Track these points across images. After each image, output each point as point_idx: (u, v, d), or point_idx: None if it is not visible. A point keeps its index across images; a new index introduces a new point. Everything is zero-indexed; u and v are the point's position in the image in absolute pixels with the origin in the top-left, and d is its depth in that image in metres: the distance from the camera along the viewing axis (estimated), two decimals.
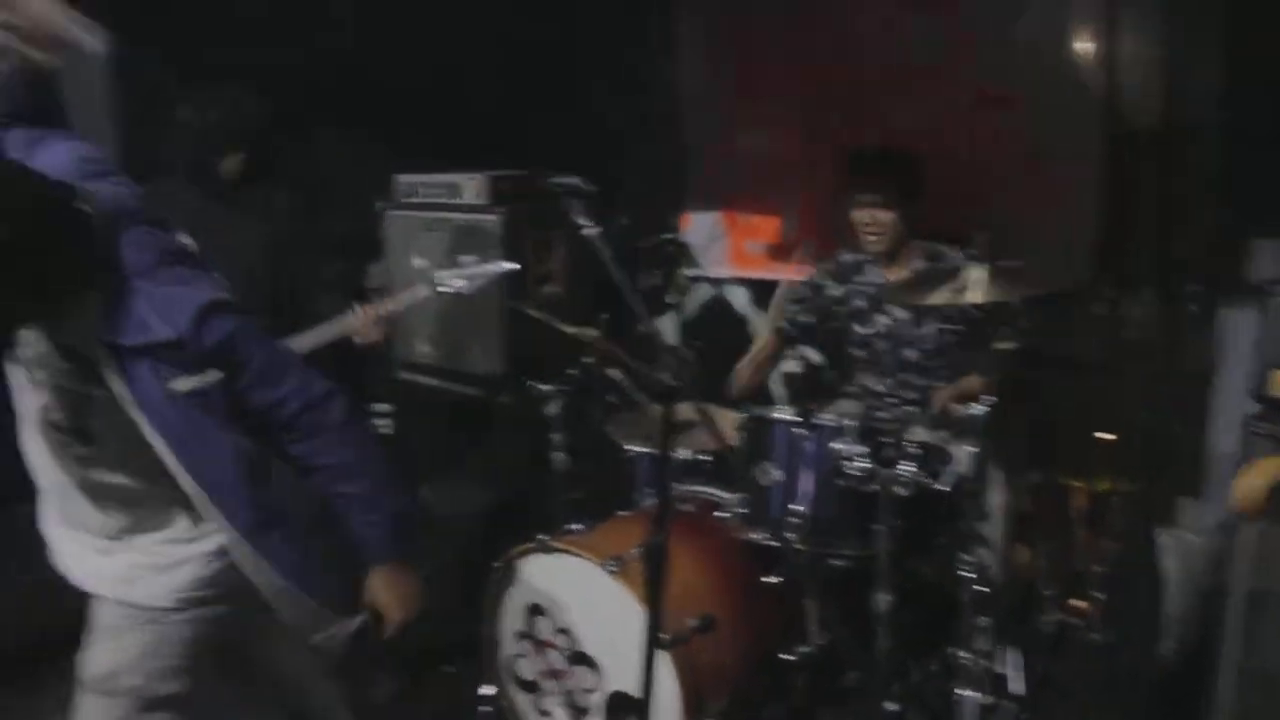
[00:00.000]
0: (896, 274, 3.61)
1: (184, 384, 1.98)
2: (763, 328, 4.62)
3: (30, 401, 2.13)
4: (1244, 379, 3.17)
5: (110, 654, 2.24)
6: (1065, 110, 3.83)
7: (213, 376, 2.00)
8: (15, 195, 1.84)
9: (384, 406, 4.21)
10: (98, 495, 2.20)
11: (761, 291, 4.67)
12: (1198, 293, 3.70)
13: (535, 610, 2.99)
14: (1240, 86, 3.54)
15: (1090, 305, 3.79)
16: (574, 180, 2.31)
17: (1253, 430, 3.00)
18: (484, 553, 3.17)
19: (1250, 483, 1.34)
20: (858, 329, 3.71)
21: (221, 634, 2.28)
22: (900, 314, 3.60)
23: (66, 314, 1.96)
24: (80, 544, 2.27)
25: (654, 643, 2.22)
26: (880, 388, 3.67)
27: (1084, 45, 3.79)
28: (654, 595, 2.21)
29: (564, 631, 2.94)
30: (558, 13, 4.58)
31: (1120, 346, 3.80)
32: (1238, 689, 2.96)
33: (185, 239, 2.14)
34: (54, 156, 2.07)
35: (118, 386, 1.98)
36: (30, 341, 2.04)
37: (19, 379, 2.13)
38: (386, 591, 2.28)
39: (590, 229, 2.29)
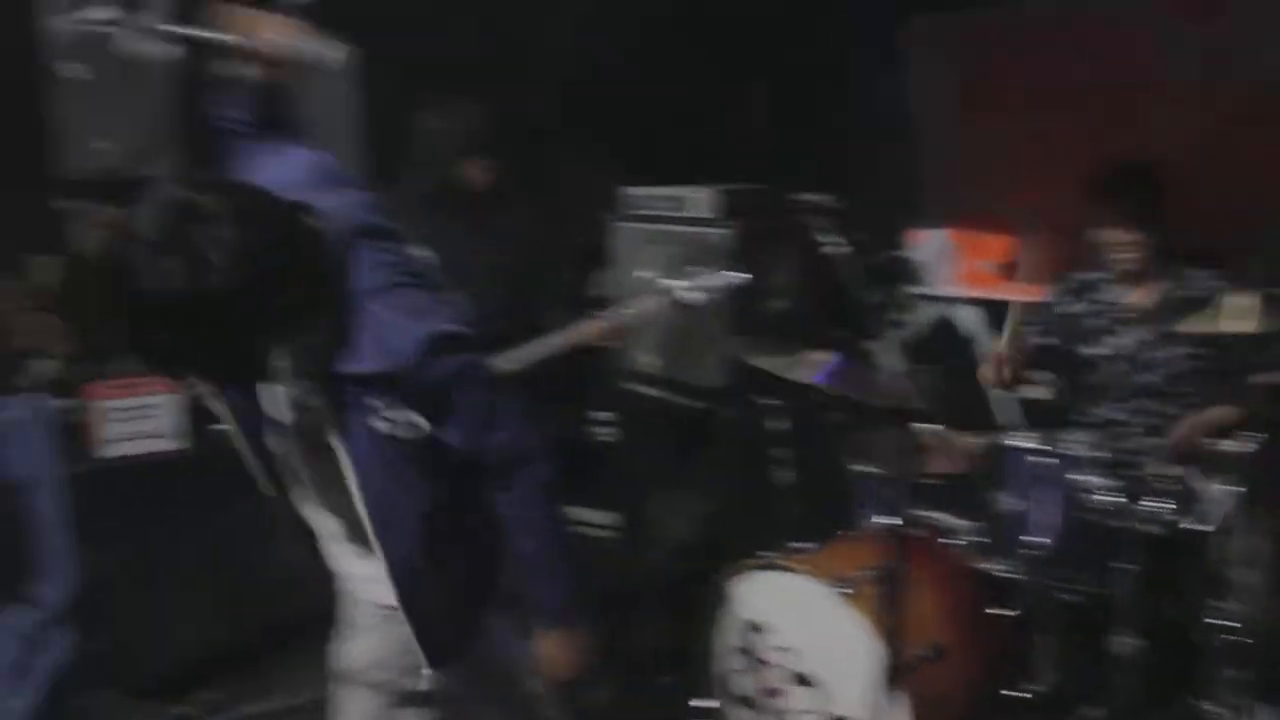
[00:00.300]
0: (1142, 295, 3.45)
1: (389, 417, 1.95)
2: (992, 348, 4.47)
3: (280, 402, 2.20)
4: None
5: (364, 650, 2.34)
6: None
7: (418, 420, 1.95)
8: (242, 215, 1.77)
9: (606, 415, 4.27)
10: (333, 501, 2.24)
11: (991, 312, 4.52)
12: None
13: (755, 626, 2.97)
14: None
15: None
16: (821, 197, 2.28)
17: None
18: (703, 565, 3.18)
19: None
20: (1090, 350, 3.54)
21: None
22: (1141, 336, 3.43)
23: (292, 337, 1.93)
24: (339, 543, 2.39)
25: (890, 670, 2.17)
26: (1117, 415, 3.49)
27: None
28: (890, 620, 2.16)
29: (784, 650, 2.91)
30: (789, 27, 4.57)
31: None
32: None
33: (423, 254, 2.15)
34: (288, 168, 2.06)
35: (326, 406, 2.00)
36: None
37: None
38: (551, 655, 2.23)
39: (837, 247, 2.26)
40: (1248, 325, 2.69)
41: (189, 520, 4.32)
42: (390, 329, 1.92)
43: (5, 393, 4.29)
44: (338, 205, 2.00)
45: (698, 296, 3.42)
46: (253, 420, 2.24)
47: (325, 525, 2.34)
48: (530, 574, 2.14)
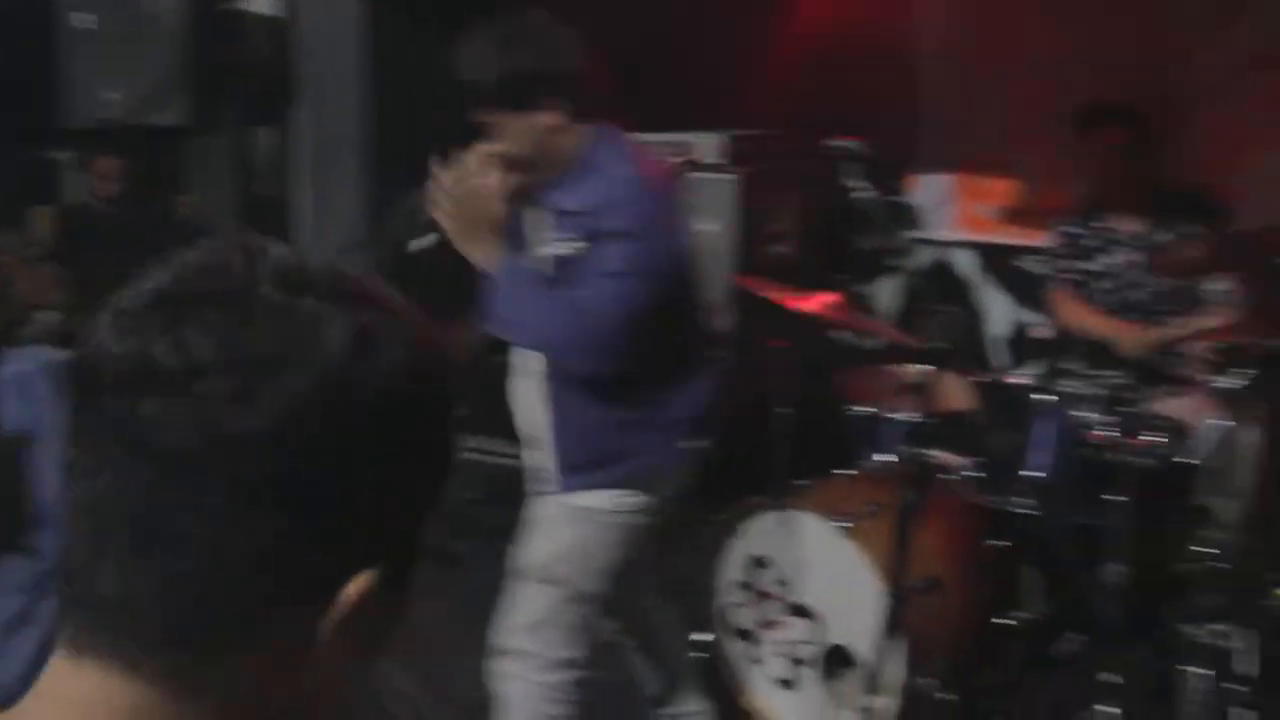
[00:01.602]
0: (1132, 223, 3.60)
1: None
2: (987, 294, 4.55)
3: None
4: None
5: (548, 546, 2.48)
6: None
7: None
8: None
9: None
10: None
11: (987, 256, 4.58)
12: None
13: (757, 562, 3.05)
14: None
15: None
16: (851, 144, 2.33)
17: None
18: (704, 505, 3.23)
19: None
20: (1086, 267, 3.67)
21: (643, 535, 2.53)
22: (1129, 257, 3.57)
23: None
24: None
25: (895, 602, 2.25)
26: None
27: None
28: (900, 554, 2.24)
29: (784, 583, 2.99)
30: None
31: None
32: None
33: None
34: None
35: None
36: None
37: None
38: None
39: (865, 192, 2.31)
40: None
41: None
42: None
43: (8, 345, 4.34)
44: None
45: None
46: None
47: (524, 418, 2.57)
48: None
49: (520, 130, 2.34)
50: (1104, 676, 2.86)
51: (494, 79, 2.29)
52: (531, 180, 2.36)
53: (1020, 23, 4.37)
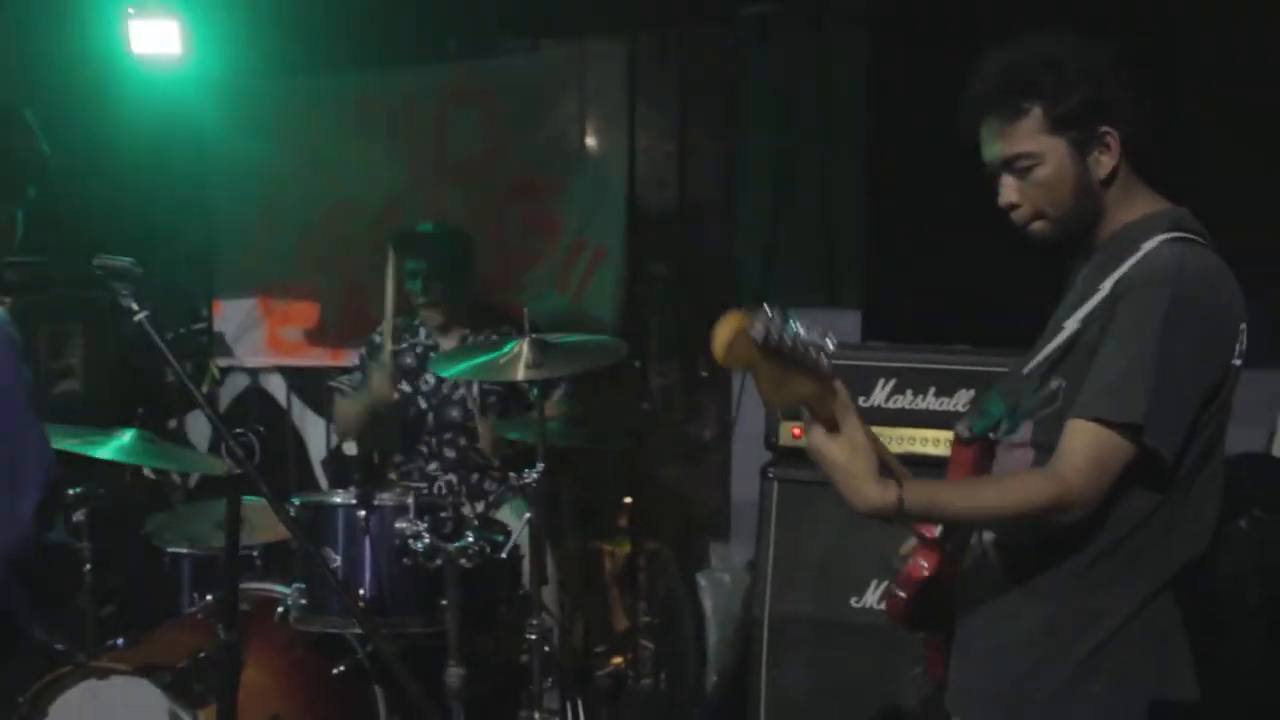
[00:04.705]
0: (450, 342, 3.68)
1: None
2: (303, 417, 4.54)
3: None
4: (760, 433, 3.50)
5: None
6: (592, 198, 4.12)
7: None
8: None
9: None
10: None
11: (299, 379, 4.56)
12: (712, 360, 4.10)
13: None
14: (741, 176, 4.02)
15: (621, 376, 4.07)
16: (122, 261, 2.12)
17: (769, 476, 3.35)
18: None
19: (719, 338, 1.48)
20: (409, 388, 3.71)
21: None
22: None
23: None
24: None
25: None
26: (423, 449, 3.70)
27: (606, 139, 4.12)
28: (226, 701, 2.09)
29: None
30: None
31: (650, 414, 4.12)
32: (769, 706, 3.27)
33: None
34: None
35: None
36: None
37: None
38: None
39: (140, 314, 2.11)
40: (522, 372, 2.97)
41: None
42: None
43: None
44: None
45: None
46: None
47: None
48: None
49: None
50: None
51: None
52: None
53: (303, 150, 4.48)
